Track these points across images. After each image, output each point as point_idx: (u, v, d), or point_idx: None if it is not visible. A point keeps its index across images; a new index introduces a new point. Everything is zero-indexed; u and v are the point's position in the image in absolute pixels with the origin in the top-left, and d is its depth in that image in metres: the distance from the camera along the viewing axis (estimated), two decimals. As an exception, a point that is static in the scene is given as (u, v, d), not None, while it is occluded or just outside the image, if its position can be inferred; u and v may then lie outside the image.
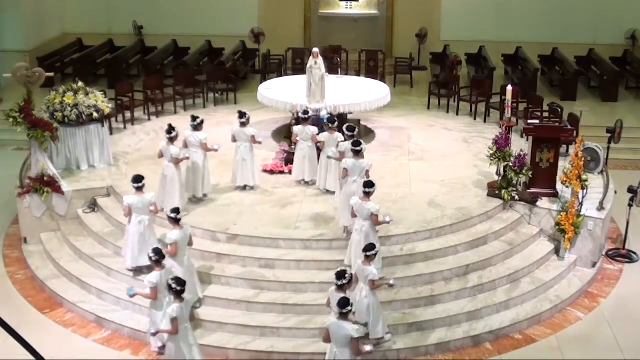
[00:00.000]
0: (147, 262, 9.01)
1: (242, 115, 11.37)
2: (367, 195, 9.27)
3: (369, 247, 8.57)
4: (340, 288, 8.01)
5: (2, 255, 11.48)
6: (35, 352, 6.74)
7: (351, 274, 8.15)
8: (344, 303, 7.51)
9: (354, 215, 9.38)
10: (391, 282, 8.74)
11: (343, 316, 7.53)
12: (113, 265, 10.27)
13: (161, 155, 10.70)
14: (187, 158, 10.75)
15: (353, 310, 7.77)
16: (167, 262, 8.83)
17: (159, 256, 8.50)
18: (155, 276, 8.46)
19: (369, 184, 9.32)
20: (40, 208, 11.36)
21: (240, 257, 10.01)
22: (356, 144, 10.07)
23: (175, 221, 9.06)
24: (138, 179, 9.71)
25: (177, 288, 7.90)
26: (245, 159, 11.35)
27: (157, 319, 8.54)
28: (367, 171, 10.00)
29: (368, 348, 7.69)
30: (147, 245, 9.43)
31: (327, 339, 7.76)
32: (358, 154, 9.99)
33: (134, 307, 9.69)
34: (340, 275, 7.99)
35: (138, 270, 9.88)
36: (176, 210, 9.11)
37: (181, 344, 8.02)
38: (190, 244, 9.33)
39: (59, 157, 12.20)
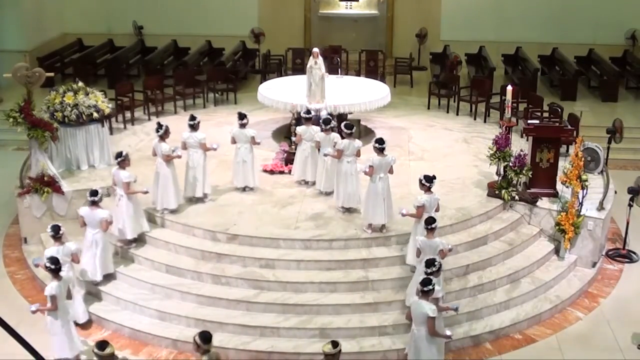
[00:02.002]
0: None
1: (242, 116, 11.36)
2: (429, 188, 9.51)
3: (431, 220, 8.91)
4: (429, 276, 8.13)
5: (2, 255, 11.49)
6: (35, 352, 6.74)
7: (440, 262, 8.36)
8: (425, 282, 7.85)
9: (419, 215, 9.44)
10: (450, 247, 9.27)
11: (424, 295, 7.85)
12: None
13: (155, 154, 10.76)
14: (179, 156, 10.74)
15: (442, 295, 8.36)
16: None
17: (54, 232, 9.09)
18: (52, 251, 8.95)
19: (430, 179, 9.51)
20: (40, 208, 11.36)
21: (240, 257, 10.02)
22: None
23: (92, 203, 9.65)
24: (118, 153, 10.29)
25: (52, 267, 8.40)
26: (245, 161, 11.34)
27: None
28: (391, 166, 10.12)
29: (448, 332, 8.08)
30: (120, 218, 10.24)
31: (409, 317, 8.17)
32: (382, 151, 10.06)
33: (134, 307, 9.72)
34: (430, 263, 8.21)
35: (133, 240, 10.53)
36: (93, 193, 9.66)
37: (60, 320, 8.47)
38: (102, 228, 9.66)
39: (59, 157, 12.20)
